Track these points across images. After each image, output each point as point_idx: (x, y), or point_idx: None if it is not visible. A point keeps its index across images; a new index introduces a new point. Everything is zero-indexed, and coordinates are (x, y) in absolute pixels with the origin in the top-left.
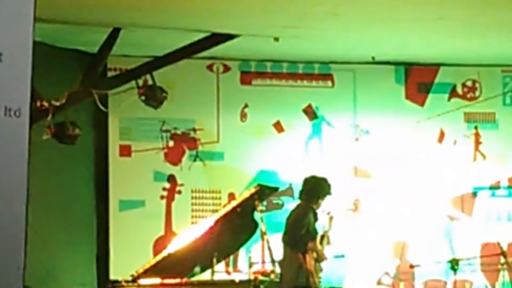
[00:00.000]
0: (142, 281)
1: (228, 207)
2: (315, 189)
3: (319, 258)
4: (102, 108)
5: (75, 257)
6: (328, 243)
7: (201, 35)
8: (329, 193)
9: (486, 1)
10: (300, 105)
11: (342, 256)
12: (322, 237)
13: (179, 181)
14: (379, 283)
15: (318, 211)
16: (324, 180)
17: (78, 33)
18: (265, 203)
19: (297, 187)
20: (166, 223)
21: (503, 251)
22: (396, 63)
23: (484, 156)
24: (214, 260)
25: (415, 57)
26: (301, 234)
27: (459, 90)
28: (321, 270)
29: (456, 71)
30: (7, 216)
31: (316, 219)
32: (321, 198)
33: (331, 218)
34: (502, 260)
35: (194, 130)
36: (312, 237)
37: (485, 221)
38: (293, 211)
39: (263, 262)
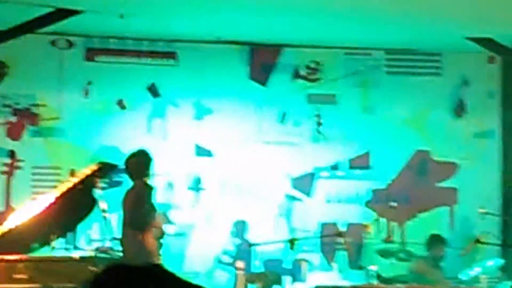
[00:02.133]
0: None
1: (69, 184)
2: (139, 164)
3: (160, 235)
4: None
5: None
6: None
7: (45, 10)
8: (151, 160)
9: None
10: (144, 83)
11: (182, 234)
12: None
13: (19, 157)
14: (218, 261)
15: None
16: (141, 152)
17: None
18: (106, 180)
19: None
20: (6, 199)
21: (340, 232)
22: (241, 43)
23: (325, 137)
24: (53, 237)
25: (260, 37)
26: (142, 213)
27: (302, 71)
28: (161, 245)
29: (299, 53)
30: None
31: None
32: (148, 169)
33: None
34: (339, 240)
35: (36, 105)
36: (152, 215)
37: (324, 201)
38: (128, 191)
39: (103, 239)
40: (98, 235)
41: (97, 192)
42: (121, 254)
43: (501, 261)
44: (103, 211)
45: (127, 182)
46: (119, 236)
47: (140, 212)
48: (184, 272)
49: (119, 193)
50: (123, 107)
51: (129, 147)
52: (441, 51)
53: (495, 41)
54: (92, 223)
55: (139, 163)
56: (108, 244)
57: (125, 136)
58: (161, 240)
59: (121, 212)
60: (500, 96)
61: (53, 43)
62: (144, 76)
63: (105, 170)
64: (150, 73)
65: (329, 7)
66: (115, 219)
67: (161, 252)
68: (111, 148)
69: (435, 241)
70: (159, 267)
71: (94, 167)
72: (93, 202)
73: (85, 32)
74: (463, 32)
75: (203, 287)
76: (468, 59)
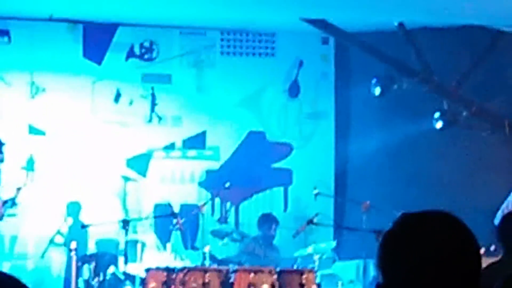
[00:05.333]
0: None
1: None
2: None
3: None
4: None
5: None
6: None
7: None
8: None
9: None
10: None
11: (14, 215)
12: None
13: None
14: (51, 242)
15: None
16: None
17: None
18: None
19: None
20: None
21: (173, 212)
22: (74, 21)
23: (159, 117)
24: None
25: (93, 16)
26: None
27: (137, 50)
28: None
29: (134, 31)
30: None
31: None
32: None
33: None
34: (174, 221)
35: None
36: None
37: (159, 182)
38: None
39: None
40: None
41: None
42: None
43: (334, 242)
44: None
45: None
46: None
47: None
48: (16, 253)
49: None
50: None
51: None
52: (275, 31)
53: (329, 22)
54: None
55: None
56: None
57: None
58: None
59: None
60: (334, 77)
61: None
62: None
63: None
64: None
65: None
66: None
67: None
68: None
69: (266, 220)
70: None
71: None
72: None
73: None
74: (297, 13)
75: (12, 277)
76: (302, 40)
